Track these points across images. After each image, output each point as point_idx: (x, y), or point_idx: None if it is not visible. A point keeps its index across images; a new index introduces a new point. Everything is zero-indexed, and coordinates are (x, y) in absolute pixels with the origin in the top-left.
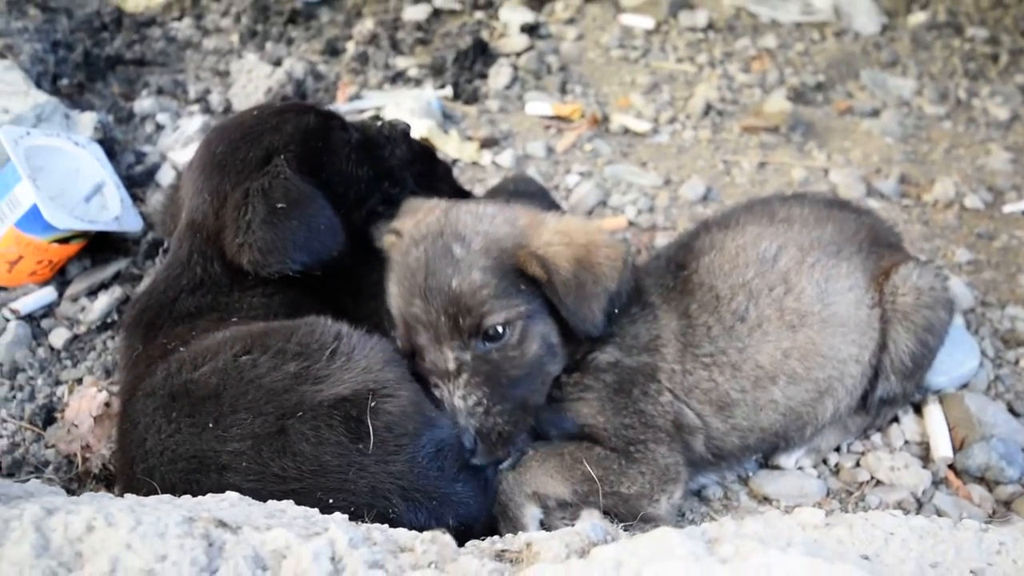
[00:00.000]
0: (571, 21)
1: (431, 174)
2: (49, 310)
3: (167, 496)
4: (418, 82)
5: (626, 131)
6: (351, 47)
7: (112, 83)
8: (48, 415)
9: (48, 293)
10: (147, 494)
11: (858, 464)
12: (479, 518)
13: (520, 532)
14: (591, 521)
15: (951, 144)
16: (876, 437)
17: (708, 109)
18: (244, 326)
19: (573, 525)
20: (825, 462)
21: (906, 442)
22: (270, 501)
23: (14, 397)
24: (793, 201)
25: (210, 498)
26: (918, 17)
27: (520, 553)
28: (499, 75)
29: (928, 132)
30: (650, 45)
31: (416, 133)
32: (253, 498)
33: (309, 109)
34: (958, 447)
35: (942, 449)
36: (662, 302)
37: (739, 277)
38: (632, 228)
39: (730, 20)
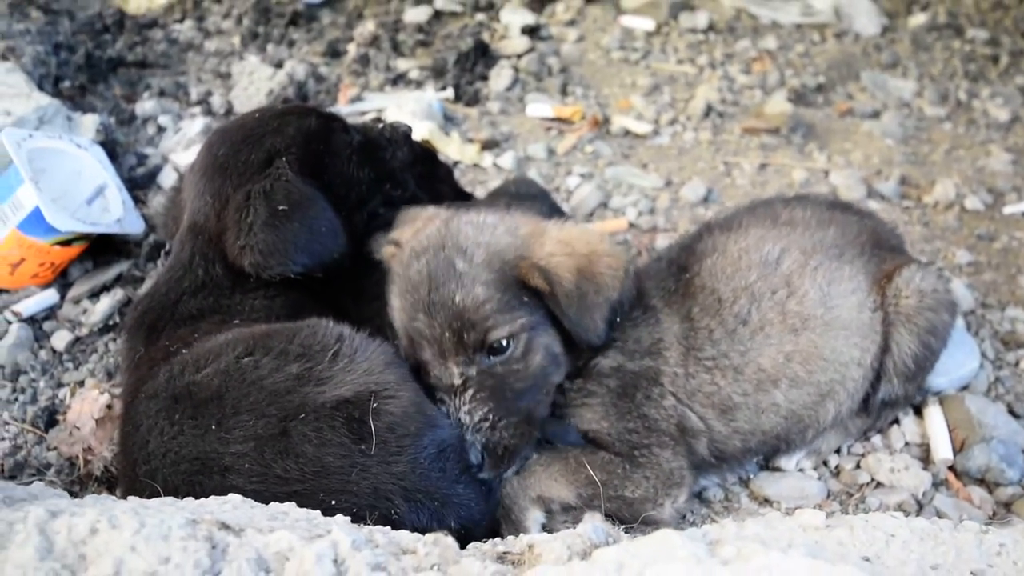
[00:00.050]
0: (572, 23)
1: (432, 176)
2: (51, 312)
3: (170, 499)
4: (419, 84)
5: (627, 133)
6: (352, 49)
7: (114, 85)
8: (50, 417)
9: (50, 295)
10: (149, 496)
11: (858, 466)
12: (481, 521)
13: (522, 534)
14: (593, 523)
15: (951, 145)
16: (876, 439)
17: (709, 111)
18: (246, 328)
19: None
20: (825, 464)
21: (906, 444)
22: (272, 503)
23: (16, 399)
24: (795, 203)
25: (213, 500)
26: (918, 18)
27: (522, 555)
28: (500, 77)
29: (928, 133)
30: (651, 47)
31: (417, 135)
32: (256, 500)
33: (311, 111)
34: (958, 449)
35: (942, 451)
36: (664, 305)
37: (741, 280)
38: (633, 230)
39: (731, 21)
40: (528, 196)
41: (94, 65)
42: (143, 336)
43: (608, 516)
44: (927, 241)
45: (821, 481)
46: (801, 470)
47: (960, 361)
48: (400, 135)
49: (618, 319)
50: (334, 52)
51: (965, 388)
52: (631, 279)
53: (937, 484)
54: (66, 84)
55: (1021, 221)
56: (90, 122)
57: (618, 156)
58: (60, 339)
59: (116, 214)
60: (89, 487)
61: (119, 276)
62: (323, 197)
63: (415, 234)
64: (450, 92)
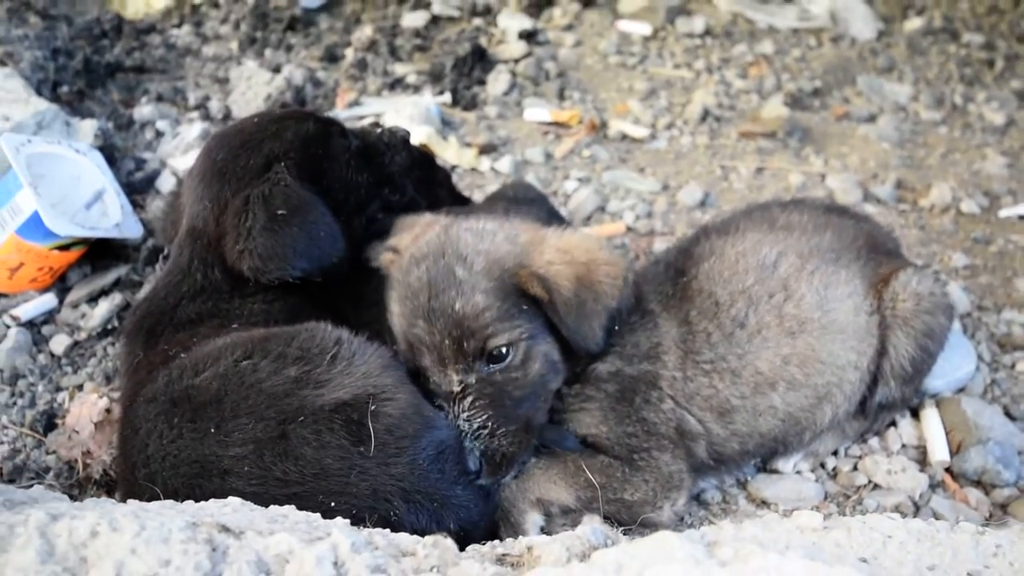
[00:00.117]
0: (569, 27)
1: (430, 180)
2: (50, 316)
3: (170, 502)
4: (417, 89)
5: (624, 137)
6: (350, 54)
7: (112, 90)
8: (49, 421)
9: (49, 300)
10: (149, 499)
11: (855, 468)
12: (480, 522)
13: (521, 537)
14: (591, 525)
15: (947, 149)
16: (873, 441)
17: (706, 115)
18: (245, 332)
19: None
20: (823, 466)
21: (903, 446)
22: (272, 506)
23: (15, 403)
24: (792, 207)
25: (213, 503)
26: (914, 23)
27: (521, 557)
28: (497, 81)
29: (924, 137)
30: (648, 51)
31: (415, 139)
32: (255, 502)
33: (309, 116)
34: (955, 451)
35: (939, 453)
36: (662, 309)
37: (739, 283)
38: (630, 234)
39: (727, 26)
40: (526, 200)
41: (92, 70)
42: (142, 340)
43: (607, 519)
44: (923, 244)
45: (818, 483)
46: (799, 472)
47: (956, 364)
48: (398, 140)
49: (616, 326)
50: (332, 57)
51: (961, 390)
52: (630, 287)
53: (934, 486)
54: (64, 89)
55: (1017, 224)
56: (88, 127)
57: (615, 160)
58: (59, 343)
59: (115, 219)
60: (88, 491)
61: (117, 280)
62: (322, 202)
63: (414, 240)
64: (448, 97)
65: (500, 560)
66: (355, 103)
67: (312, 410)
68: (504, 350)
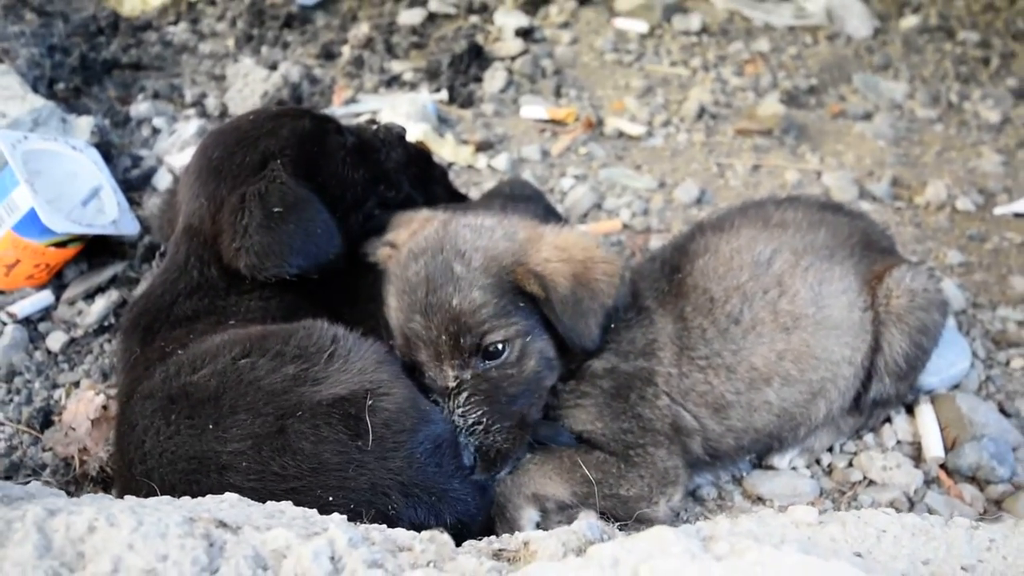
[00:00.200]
0: (565, 25)
1: (427, 177)
2: (46, 313)
3: (167, 497)
4: (413, 86)
5: (620, 134)
6: (347, 51)
7: (108, 87)
8: (45, 418)
9: (45, 297)
10: (146, 495)
11: (851, 464)
12: (477, 517)
13: (517, 532)
14: (587, 520)
15: (943, 147)
16: (869, 437)
17: (702, 112)
18: (242, 329)
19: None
20: (818, 462)
21: (898, 442)
22: (269, 502)
23: (11, 400)
24: (787, 204)
25: (210, 499)
26: (910, 21)
27: (517, 552)
28: (494, 79)
29: (920, 135)
30: (644, 49)
31: (412, 137)
32: (253, 497)
33: (305, 113)
34: (950, 447)
35: (934, 449)
36: (657, 306)
37: (733, 280)
38: (627, 231)
39: (723, 24)
40: (522, 197)
41: (88, 67)
42: (139, 337)
43: (603, 515)
44: (919, 242)
45: (814, 479)
46: (794, 468)
47: (951, 360)
48: (394, 136)
49: (612, 324)
50: (328, 54)
51: (956, 387)
52: (626, 286)
53: (929, 482)
54: (60, 86)
55: (1012, 222)
56: (85, 124)
57: (612, 158)
58: (55, 340)
59: (111, 216)
60: (85, 487)
61: (114, 277)
62: (318, 199)
63: (412, 236)
64: (444, 94)
65: (496, 555)
66: (352, 100)
67: (310, 405)
68: (500, 346)
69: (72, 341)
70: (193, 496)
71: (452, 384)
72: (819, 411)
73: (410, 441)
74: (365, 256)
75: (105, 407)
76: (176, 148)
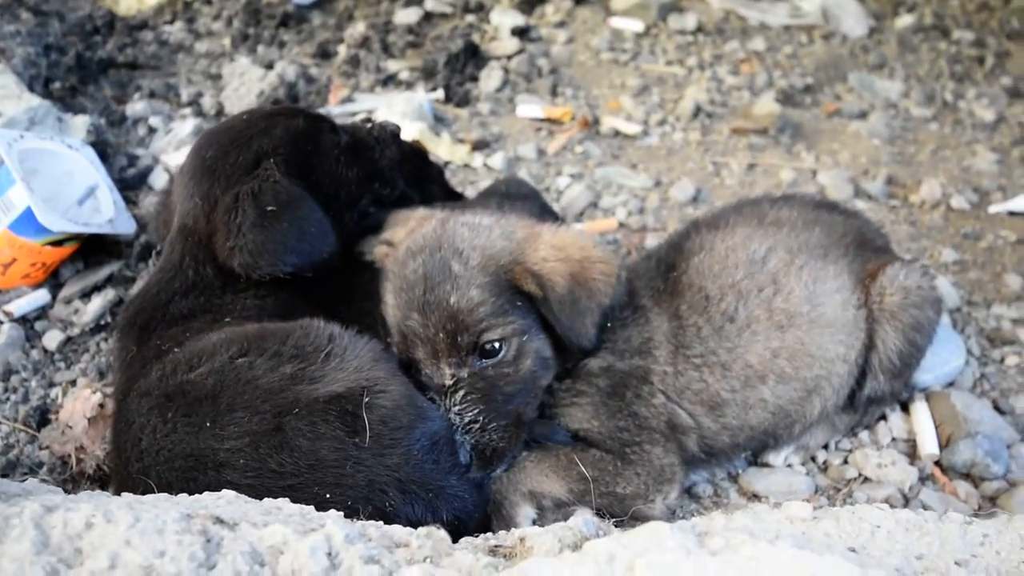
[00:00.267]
0: (561, 24)
1: (423, 176)
2: (42, 312)
3: (164, 494)
4: (409, 85)
5: (616, 133)
6: (343, 50)
7: (104, 86)
8: (42, 417)
9: (41, 295)
10: (143, 493)
11: (846, 461)
12: (473, 514)
13: (514, 528)
14: (584, 517)
15: (937, 145)
16: (864, 434)
17: (697, 111)
18: (238, 327)
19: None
20: (813, 459)
21: (893, 439)
22: (266, 499)
23: (8, 399)
24: (782, 203)
25: (207, 496)
26: (905, 20)
27: (514, 548)
28: (490, 78)
29: (915, 134)
30: (640, 48)
31: (408, 136)
32: (250, 495)
33: (298, 112)
34: (944, 444)
35: (928, 446)
36: (653, 304)
37: (729, 278)
38: (623, 229)
39: (719, 23)
40: (519, 196)
41: (84, 66)
42: (135, 336)
43: (599, 512)
44: (914, 240)
45: (809, 476)
46: (789, 465)
47: (946, 358)
48: (388, 134)
49: (608, 323)
50: (324, 53)
51: (951, 384)
52: (622, 285)
53: (923, 479)
54: (56, 85)
55: (1006, 220)
56: (81, 123)
57: (608, 156)
58: (52, 339)
59: (107, 214)
60: (81, 486)
61: (110, 276)
62: (311, 197)
63: (409, 234)
64: (440, 93)
65: (493, 551)
66: (348, 99)
67: (307, 402)
68: (497, 345)
69: (68, 340)
70: (190, 493)
71: (449, 382)
72: (814, 408)
73: (407, 438)
74: (361, 254)
75: (102, 405)
76: (172, 147)
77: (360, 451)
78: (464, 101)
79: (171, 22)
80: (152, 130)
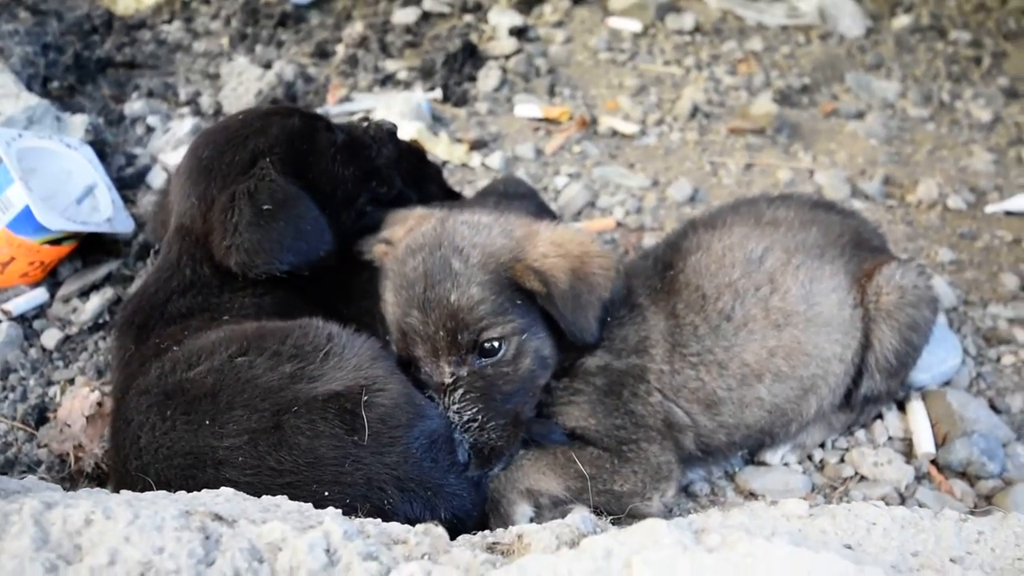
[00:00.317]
0: (559, 24)
1: (421, 175)
2: (41, 311)
3: (163, 492)
4: (408, 85)
5: (614, 133)
6: (341, 50)
7: (102, 86)
8: (40, 415)
9: (40, 294)
10: (142, 491)
11: (842, 460)
12: (472, 511)
13: (511, 526)
14: (581, 514)
15: (934, 146)
16: (860, 433)
17: (695, 111)
18: (237, 326)
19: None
20: (810, 458)
21: (889, 438)
22: (264, 496)
23: (6, 397)
24: (779, 203)
25: (205, 493)
26: (902, 20)
27: (511, 545)
28: (488, 78)
29: (912, 134)
30: (638, 48)
31: (406, 135)
32: (249, 492)
33: (294, 112)
34: (940, 443)
35: (925, 445)
36: (650, 303)
37: (725, 277)
38: (620, 229)
39: (716, 23)
40: (516, 195)
41: (83, 66)
42: (133, 334)
43: (596, 510)
44: (910, 240)
45: (805, 475)
46: (786, 464)
47: (942, 357)
48: (384, 133)
49: (609, 318)
50: (323, 53)
51: (947, 384)
52: (621, 278)
53: (920, 477)
54: (55, 84)
55: (1003, 220)
56: (79, 122)
57: (605, 156)
58: (50, 337)
59: (106, 213)
60: (80, 484)
61: (108, 275)
62: (307, 196)
63: (408, 232)
64: (438, 93)
65: (490, 548)
66: (346, 99)
67: (306, 401)
68: (496, 344)
69: (67, 338)
70: (189, 491)
71: (448, 380)
72: (810, 407)
73: (406, 436)
74: (360, 253)
75: (100, 404)
76: (170, 146)
77: (359, 449)
78: (462, 101)
79: (169, 21)
80: (150, 129)
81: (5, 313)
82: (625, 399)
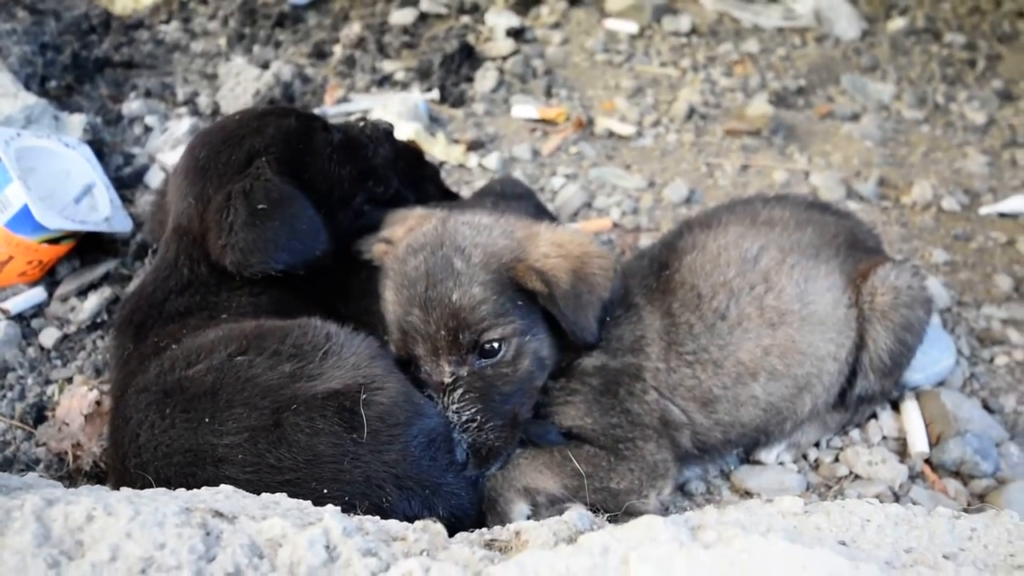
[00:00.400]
0: (556, 25)
1: (419, 176)
2: (39, 310)
3: (163, 489)
4: (405, 85)
5: (610, 134)
6: (338, 50)
7: (100, 85)
8: (39, 414)
9: (38, 293)
10: (141, 488)
11: (837, 459)
12: (470, 510)
13: (509, 524)
14: (578, 511)
15: (929, 148)
16: (854, 433)
17: (691, 113)
18: (236, 324)
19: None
20: (805, 457)
21: (884, 437)
22: (264, 494)
23: (4, 396)
24: (775, 203)
25: (205, 491)
26: (897, 23)
27: (509, 542)
28: (485, 78)
29: (907, 136)
30: (634, 49)
31: (403, 136)
32: (249, 490)
33: (291, 112)
34: (934, 442)
35: (919, 444)
36: (646, 303)
37: (721, 276)
38: (617, 230)
39: (713, 25)
40: (514, 196)
41: (80, 65)
42: (131, 333)
43: (593, 508)
44: (905, 241)
45: (800, 474)
46: (781, 463)
47: (936, 358)
48: (381, 132)
49: (608, 318)
50: (320, 53)
51: (941, 384)
52: (619, 279)
53: (913, 476)
54: (53, 84)
55: (997, 221)
56: (77, 122)
57: (602, 157)
58: (48, 336)
59: (104, 213)
60: (78, 482)
61: (106, 274)
62: (303, 196)
63: (408, 232)
64: (436, 93)
65: (489, 545)
66: (343, 100)
67: (305, 399)
68: (497, 345)
69: (65, 337)
70: (188, 488)
71: (448, 380)
72: (804, 406)
73: (404, 434)
74: (358, 253)
75: (98, 403)
76: (168, 146)
77: (358, 447)
78: (459, 102)
79: (167, 21)
80: (148, 129)
81: (3, 312)
82: (621, 398)
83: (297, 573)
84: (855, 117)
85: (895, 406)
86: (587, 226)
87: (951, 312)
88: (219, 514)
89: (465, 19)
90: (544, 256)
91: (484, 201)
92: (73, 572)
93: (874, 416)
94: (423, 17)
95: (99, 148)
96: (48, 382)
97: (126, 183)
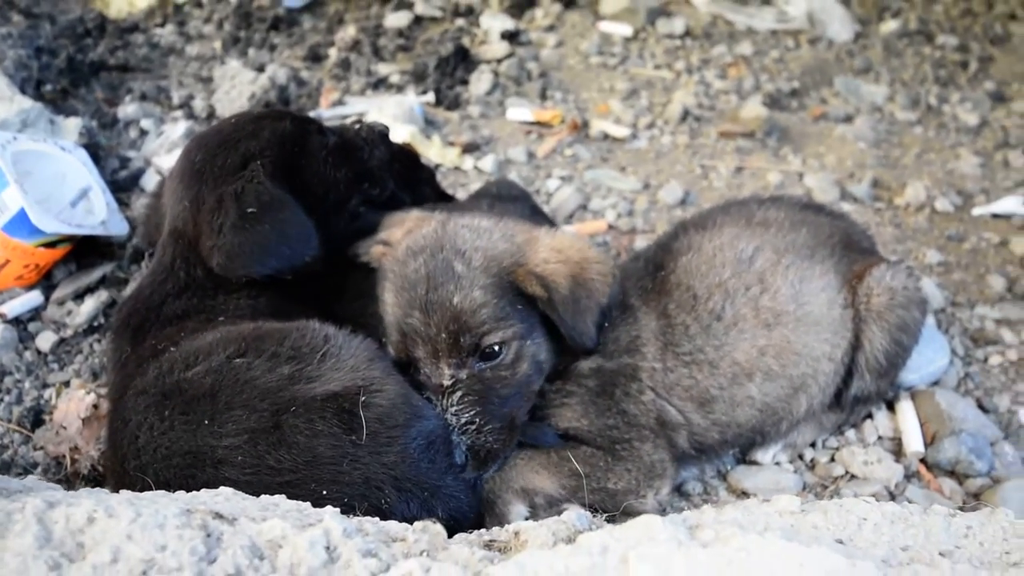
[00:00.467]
0: (551, 28)
1: (414, 178)
2: (36, 314)
3: (162, 491)
4: (400, 88)
5: (605, 136)
6: (333, 53)
7: (96, 89)
8: (36, 417)
9: (35, 297)
10: (140, 490)
11: (833, 459)
12: (469, 512)
13: (507, 525)
14: (576, 511)
15: (922, 149)
16: (850, 433)
17: (686, 115)
18: (233, 327)
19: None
20: (801, 457)
21: (879, 437)
22: (263, 496)
23: (1, 400)
24: (770, 204)
25: (205, 493)
26: (890, 25)
27: (508, 542)
28: (480, 81)
29: (900, 137)
30: (628, 52)
31: (398, 138)
32: (248, 491)
33: (286, 115)
34: (929, 442)
35: (914, 444)
36: (641, 304)
37: (716, 277)
38: (612, 231)
39: (707, 27)
40: (509, 198)
41: (76, 69)
42: (129, 337)
43: (591, 508)
44: (899, 242)
45: (797, 474)
46: (777, 463)
47: (930, 358)
48: (376, 135)
49: (606, 323)
50: (315, 57)
51: (936, 384)
52: (617, 283)
53: (909, 476)
54: (48, 88)
55: (989, 222)
56: (73, 125)
57: (597, 159)
58: (45, 340)
59: (100, 216)
60: (76, 486)
61: (103, 278)
62: (295, 201)
63: (407, 234)
64: (431, 96)
65: (488, 545)
66: (339, 103)
67: (304, 401)
68: (497, 348)
69: (62, 341)
70: (188, 490)
71: (447, 382)
72: (800, 406)
73: (403, 436)
74: (356, 256)
75: (96, 406)
76: (164, 149)
77: (357, 449)
78: (454, 104)
79: (162, 25)
80: (144, 132)
81: (0, 316)
82: (617, 399)
83: (298, 574)
84: (848, 119)
85: (890, 406)
86: (583, 228)
87: (945, 312)
88: (219, 516)
89: (460, 22)
90: (544, 261)
91: (480, 203)
92: (74, 574)
93: (870, 416)
94: (418, 20)
95: (95, 152)
96: (45, 386)
97: (122, 186)
